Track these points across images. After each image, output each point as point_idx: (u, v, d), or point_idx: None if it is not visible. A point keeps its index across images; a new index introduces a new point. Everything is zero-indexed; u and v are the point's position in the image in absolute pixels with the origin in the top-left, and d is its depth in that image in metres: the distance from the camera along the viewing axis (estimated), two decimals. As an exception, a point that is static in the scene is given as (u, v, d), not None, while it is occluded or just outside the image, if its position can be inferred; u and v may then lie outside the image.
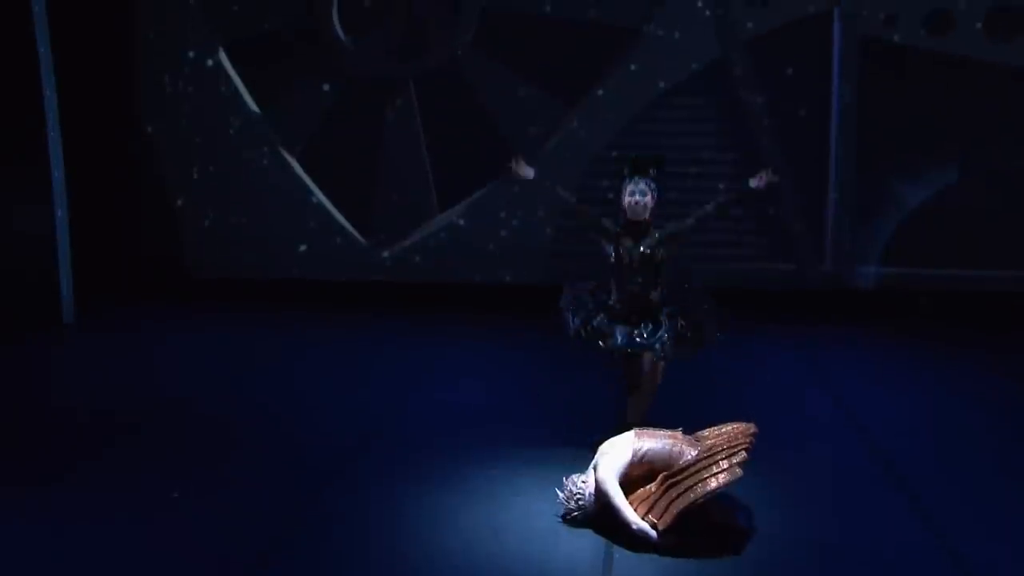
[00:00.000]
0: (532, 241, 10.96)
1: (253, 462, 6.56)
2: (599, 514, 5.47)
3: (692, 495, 5.22)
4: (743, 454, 5.33)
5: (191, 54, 11.09)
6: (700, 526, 5.50)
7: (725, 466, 5.27)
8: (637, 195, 6.36)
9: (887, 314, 10.13)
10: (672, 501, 5.25)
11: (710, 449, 5.37)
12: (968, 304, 10.16)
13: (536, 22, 10.68)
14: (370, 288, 10.94)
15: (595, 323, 6.39)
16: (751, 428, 5.55)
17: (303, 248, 11.23)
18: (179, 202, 11.31)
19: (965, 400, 7.72)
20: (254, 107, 11.11)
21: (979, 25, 10.13)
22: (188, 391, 7.99)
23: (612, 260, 6.37)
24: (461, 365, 8.78)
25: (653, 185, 6.43)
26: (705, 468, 5.29)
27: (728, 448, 5.35)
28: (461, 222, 11.06)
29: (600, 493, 5.44)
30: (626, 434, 5.63)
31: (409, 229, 11.12)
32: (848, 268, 10.63)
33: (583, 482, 5.54)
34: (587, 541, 5.44)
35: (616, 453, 5.49)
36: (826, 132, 10.52)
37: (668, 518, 5.23)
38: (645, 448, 5.49)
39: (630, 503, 5.40)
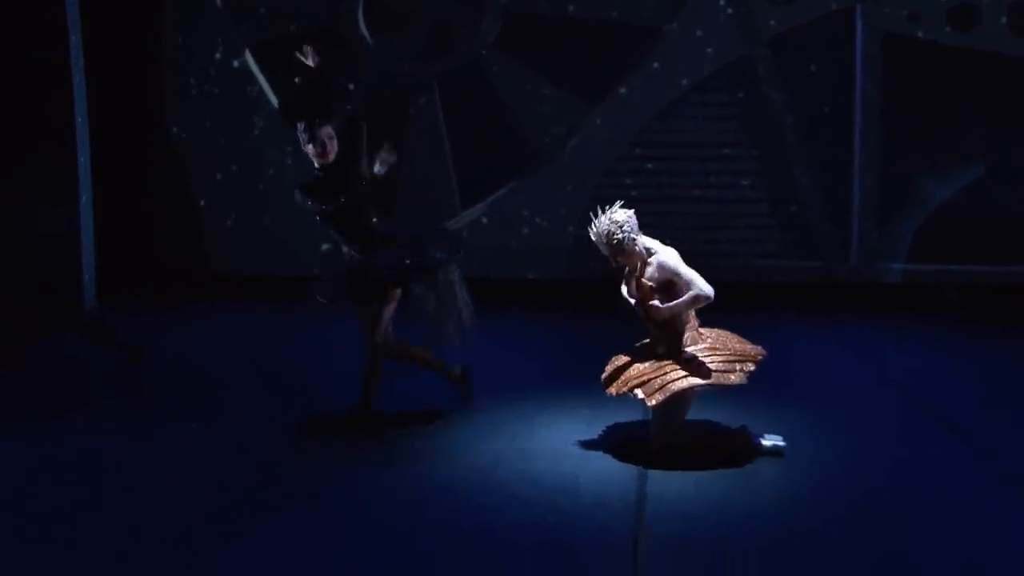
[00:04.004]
0: (555, 239, 10.90)
1: (272, 406, 6.48)
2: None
3: (691, 381, 5.16)
4: (751, 366, 5.29)
5: (217, 55, 11.20)
6: (730, 449, 5.39)
7: (738, 368, 5.23)
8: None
9: (914, 307, 9.97)
10: (670, 382, 5.14)
11: (713, 348, 5.27)
12: (995, 299, 9.98)
13: (559, 22, 10.75)
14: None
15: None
16: (759, 350, 5.44)
17: (325, 247, 11.18)
18: (202, 202, 11.32)
19: (1000, 363, 7.59)
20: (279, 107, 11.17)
21: (1004, 20, 10.13)
22: (198, 361, 7.90)
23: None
24: (482, 341, 8.66)
25: None
26: (710, 362, 5.21)
27: (735, 355, 5.28)
28: (484, 220, 11.02)
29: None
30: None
31: (432, 227, 11.06)
32: (874, 264, 10.51)
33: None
34: (618, 464, 5.31)
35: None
36: (850, 129, 10.48)
37: (661, 396, 5.13)
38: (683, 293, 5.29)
39: (619, 377, 5.31)
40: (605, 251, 5.27)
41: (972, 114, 10.21)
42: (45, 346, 7.91)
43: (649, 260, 5.26)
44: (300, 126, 5.79)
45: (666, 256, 5.27)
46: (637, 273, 5.33)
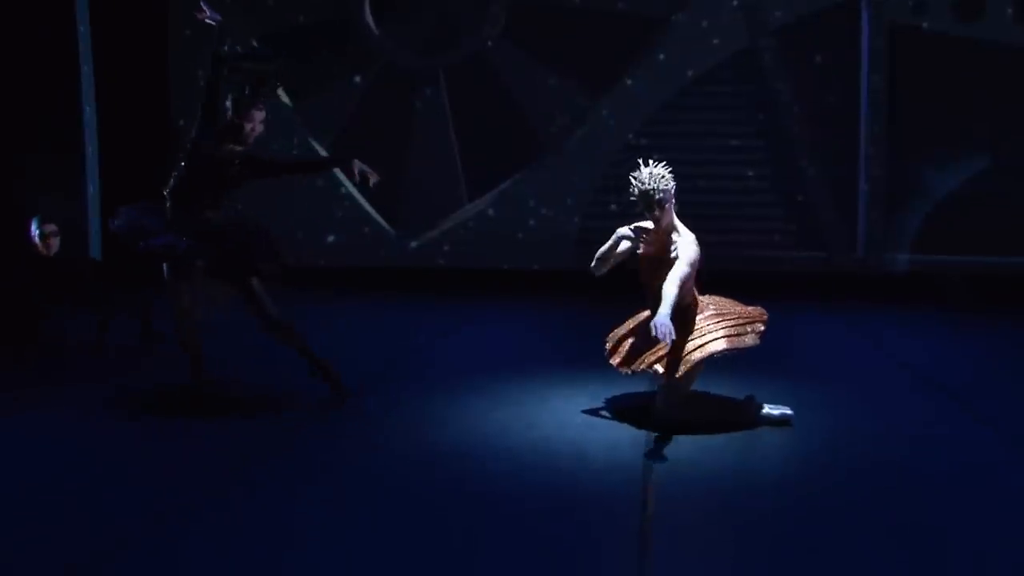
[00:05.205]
0: (560, 230, 10.91)
1: (281, 382, 6.46)
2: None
3: (708, 350, 5.16)
4: (760, 326, 5.32)
5: (224, 48, 11.19)
6: (737, 418, 5.38)
7: (749, 330, 5.25)
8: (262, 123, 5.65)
9: (921, 296, 9.96)
10: (689, 353, 5.16)
11: (720, 314, 5.30)
12: (1002, 288, 9.96)
13: (565, 13, 10.78)
14: (398, 276, 10.90)
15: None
16: (761, 310, 5.47)
17: (331, 239, 11.22)
18: (209, 194, 11.33)
19: (1009, 347, 7.61)
20: (286, 99, 11.19)
21: (1009, 11, 10.15)
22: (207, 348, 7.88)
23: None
24: (490, 327, 8.71)
25: None
26: (721, 328, 5.21)
27: (743, 318, 5.31)
28: (490, 211, 11.04)
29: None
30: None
31: (438, 219, 11.10)
32: (879, 255, 10.51)
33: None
34: (625, 431, 5.31)
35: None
36: (856, 120, 10.50)
37: (683, 367, 5.14)
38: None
39: (630, 354, 5.32)
40: (644, 200, 5.17)
41: (978, 105, 10.23)
42: (53, 329, 7.92)
43: (674, 238, 5.25)
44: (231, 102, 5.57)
45: (690, 242, 5.25)
46: (652, 237, 5.30)
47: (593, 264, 5.44)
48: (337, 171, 11.09)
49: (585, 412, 5.63)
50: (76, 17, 9.75)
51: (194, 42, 11.22)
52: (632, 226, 5.32)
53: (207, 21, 5.75)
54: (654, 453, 4.94)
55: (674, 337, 4.89)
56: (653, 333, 4.86)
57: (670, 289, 5.03)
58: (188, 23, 11.21)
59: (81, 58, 9.79)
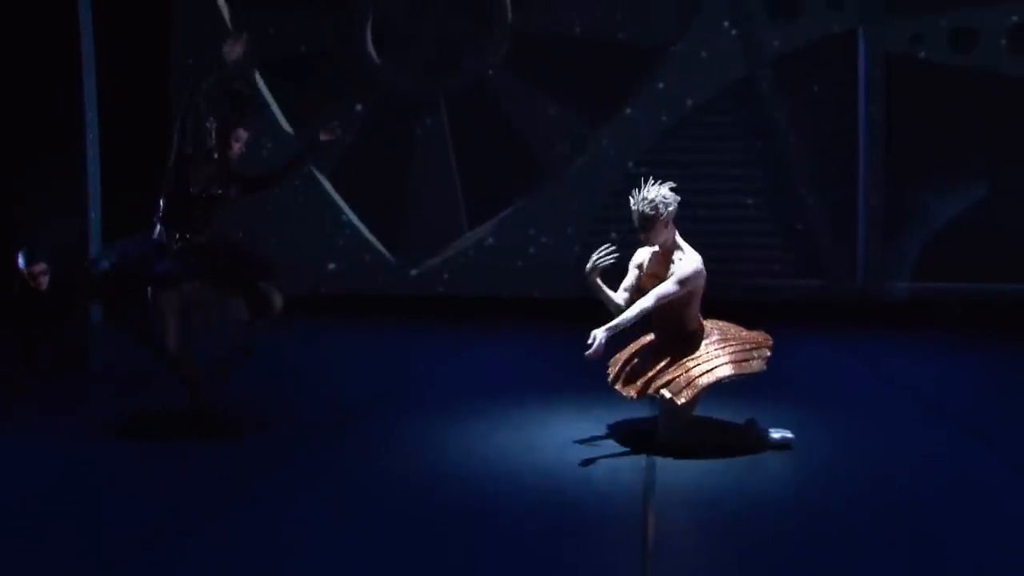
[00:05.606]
0: (560, 258, 10.91)
1: (280, 405, 6.48)
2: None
3: (716, 375, 5.18)
4: (767, 351, 5.35)
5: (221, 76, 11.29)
6: (738, 442, 5.39)
7: (756, 355, 5.28)
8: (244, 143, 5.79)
9: (920, 322, 10.00)
10: (697, 378, 5.17)
11: (725, 340, 5.32)
12: (1000, 315, 9.99)
13: (566, 43, 10.87)
14: (398, 303, 10.92)
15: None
16: (765, 335, 5.50)
17: (332, 266, 11.25)
18: (210, 221, 11.37)
19: (1008, 370, 7.64)
20: (287, 127, 11.27)
21: (1003, 41, 10.25)
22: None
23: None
24: (490, 354, 8.74)
25: None
26: (728, 353, 5.23)
27: (748, 343, 5.34)
28: (490, 240, 11.08)
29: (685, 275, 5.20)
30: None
31: (438, 247, 11.13)
32: (879, 283, 10.55)
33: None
34: (626, 454, 5.32)
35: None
36: (854, 148, 10.57)
37: (690, 392, 5.14)
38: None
39: (634, 378, 5.33)
40: (637, 218, 5.19)
41: (974, 134, 10.30)
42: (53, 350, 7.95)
43: (675, 257, 5.27)
44: (213, 123, 5.68)
45: (689, 261, 5.26)
46: (655, 258, 5.34)
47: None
48: (333, 191, 11.21)
49: (586, 435, 5.63)
50: (81, 49, 9.79)
51: (197, 70, 11.28)
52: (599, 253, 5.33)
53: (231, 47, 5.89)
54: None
55: (601, 353, 5.06)
56: (589, 341, 5.02)
57: (639, 303, 5.14)
58: (190, 51, 11.33)
59: (85, 87, 9.82)
